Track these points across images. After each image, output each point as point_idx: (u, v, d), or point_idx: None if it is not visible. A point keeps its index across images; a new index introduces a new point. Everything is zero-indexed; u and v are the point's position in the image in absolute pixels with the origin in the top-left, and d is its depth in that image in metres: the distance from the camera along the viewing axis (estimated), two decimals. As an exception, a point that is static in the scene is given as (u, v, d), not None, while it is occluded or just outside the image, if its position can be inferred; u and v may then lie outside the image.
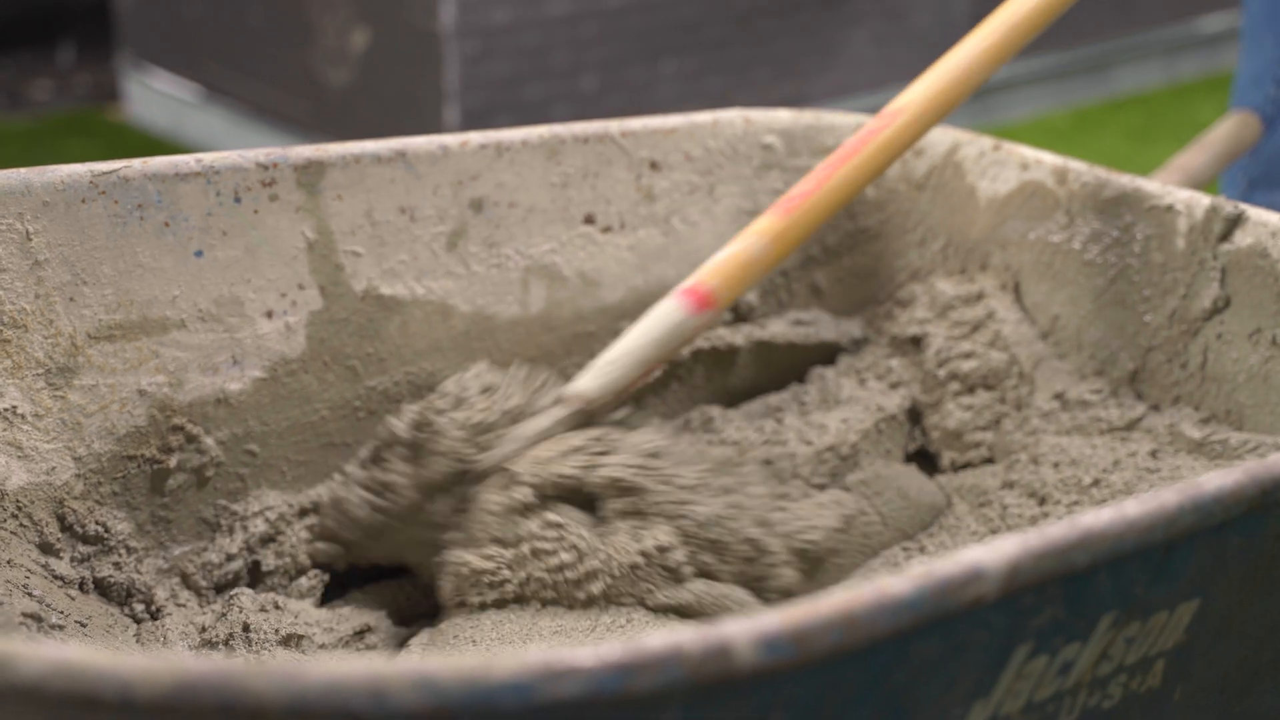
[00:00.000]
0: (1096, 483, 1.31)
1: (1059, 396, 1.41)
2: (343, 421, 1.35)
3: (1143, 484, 1.29)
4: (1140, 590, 0.86)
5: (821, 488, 1.34)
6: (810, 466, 1.36)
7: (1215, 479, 0.85)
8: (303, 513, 1.30)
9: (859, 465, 1.37)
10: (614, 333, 1.49)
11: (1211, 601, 0.92)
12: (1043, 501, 1.32)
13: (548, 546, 1.13)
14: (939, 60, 1.35)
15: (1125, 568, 0.84)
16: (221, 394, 1.28)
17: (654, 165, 1.49)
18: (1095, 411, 1.39)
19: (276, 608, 1.20)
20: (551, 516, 1.14)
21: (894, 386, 1.48)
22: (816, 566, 1.18)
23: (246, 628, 1.17)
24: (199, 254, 1.26)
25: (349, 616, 1.24)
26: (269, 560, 1.27)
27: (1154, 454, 1.33)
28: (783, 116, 1.57)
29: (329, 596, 1.29)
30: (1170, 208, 1.37)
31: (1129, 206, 1.40)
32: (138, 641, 1.17)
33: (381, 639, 1.22)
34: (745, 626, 0.65)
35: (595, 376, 1.26)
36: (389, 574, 1.32)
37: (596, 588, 1.12)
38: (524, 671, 0.61)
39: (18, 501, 1.15)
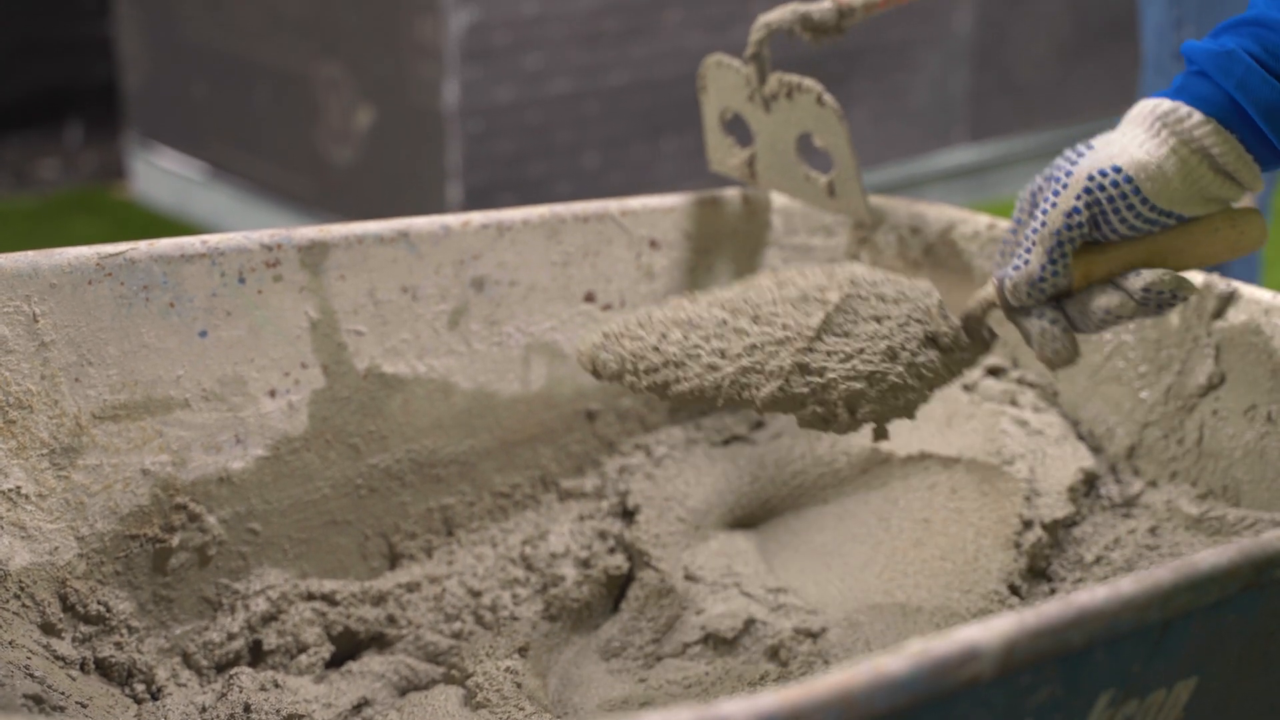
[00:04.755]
0: (1099, 560, 1.32)
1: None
2: (345, 499, 1.36)
3: (1143, 561, 1.29)
4: (1137, 668, 0.86)
5: None
6: None
7: (1210, 557, 0.85)
8: (309, 596, 1.31)
9: None
10: (615, 410, 1.50)
11: (1209, 679, 0.92)
12: (1050, 579, 1.32)
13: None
14: None
15: (1122, 646, 0.84)
16: (224, 473, 1.29)
17: (654, 244, 1.51)
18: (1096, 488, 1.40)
19: (276, 686, 1.21)
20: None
21: None
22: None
23: (247, 708, 1.17)
24: (203, 334, 1.28)
25: (346, 690, 1.24)
26: (270, 639, 1.28)
27: (1153, 530, 1.33)
28: (780, 196, 1.58)
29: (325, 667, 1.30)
30: (1165, 285, 1.39)
31: (1124, 284, 1.42)
32: (138, 721, 1.17)
33: (379, 711, 1.23)
34: (742, 706, 0.65)
35: None
36: (383, 647, 1.32)
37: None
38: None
39: (20, 582, 1.16)
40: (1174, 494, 1.36)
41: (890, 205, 1.59)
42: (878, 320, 1.14)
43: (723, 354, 1.14)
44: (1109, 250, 1.09)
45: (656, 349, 1.15)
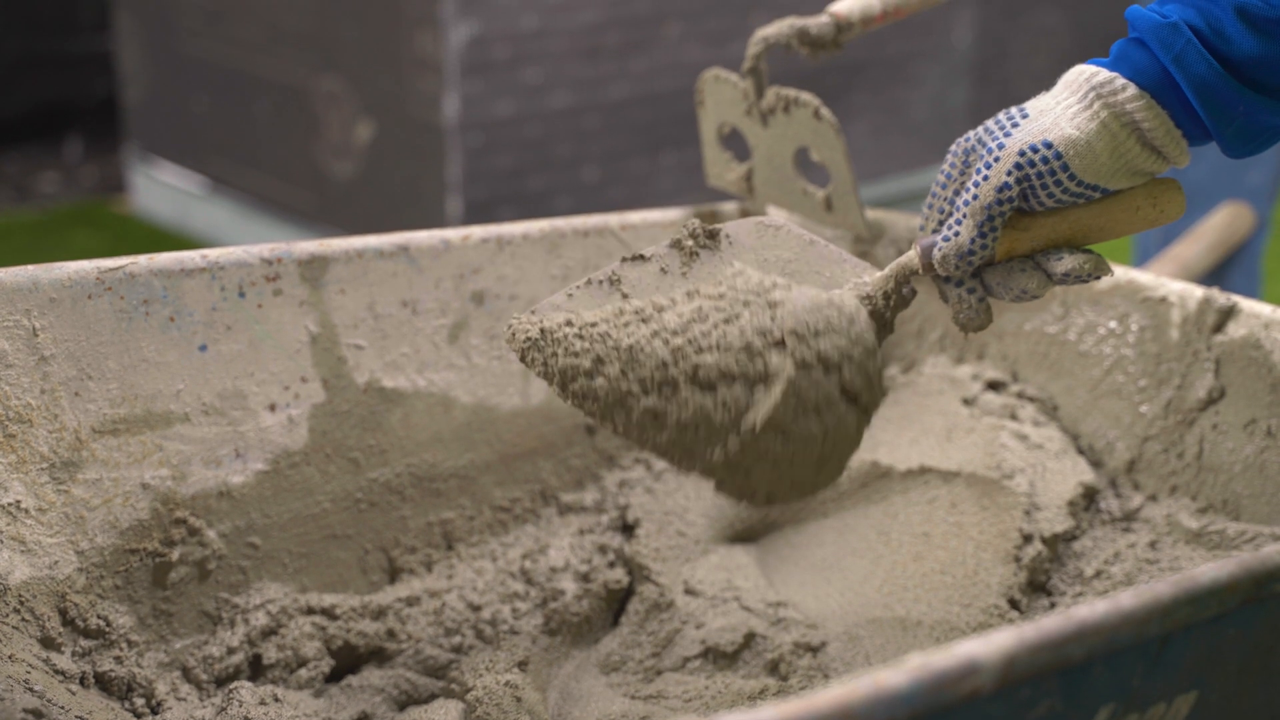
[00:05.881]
0: (1098, 574, 1.32)
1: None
2: (344, 513, 1.36)
3: (1143, 575, 1.29)
4: (1137, 682, 0.86)
5: None
6: None
7: (1210, 571, 0.85)
8: (308, 610, 1.31)
9: None
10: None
11: (1209, 693, 0.92)
12: (1050, 593, 1.32)
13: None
14: None
15: (1121, 659, 0.84)
16: (224, 487, 1.29)
17: (653, 258, 1.51)
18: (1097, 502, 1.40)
19: (276, 700, 1.21)
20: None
21: None
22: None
23: (246, 722, 1.17)
24: (203, 348, 1.28)
25: (346, 705, 1.24)
26: (270, 653, 1.27)
27: (1153, 544, 1.33)
28: (778, 210, 1.59)
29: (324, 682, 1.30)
30: (1164, 299, 1.39)
31: (1124, 298, 1.42)
32: (138, 736, 1.17)
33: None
34: (740, 719, 0.65)
35: None
36: (383, 661, 1.32)
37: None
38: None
39: (20, 596, 1.16)
40: (1174, 508, 1.36)
41: (889, 219, 1.59)
42: (818, 413, 1.08)
43: (655, 416, 1.09)
44: (1032, 227, 1.10)
45: (589, 375, 1.11)
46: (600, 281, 1.16)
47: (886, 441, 1.47)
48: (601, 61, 3.37)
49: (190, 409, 1.27)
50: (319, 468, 1.34)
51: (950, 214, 1.12)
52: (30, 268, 1.21)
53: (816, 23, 1.44)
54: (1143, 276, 1.41)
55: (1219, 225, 2.10)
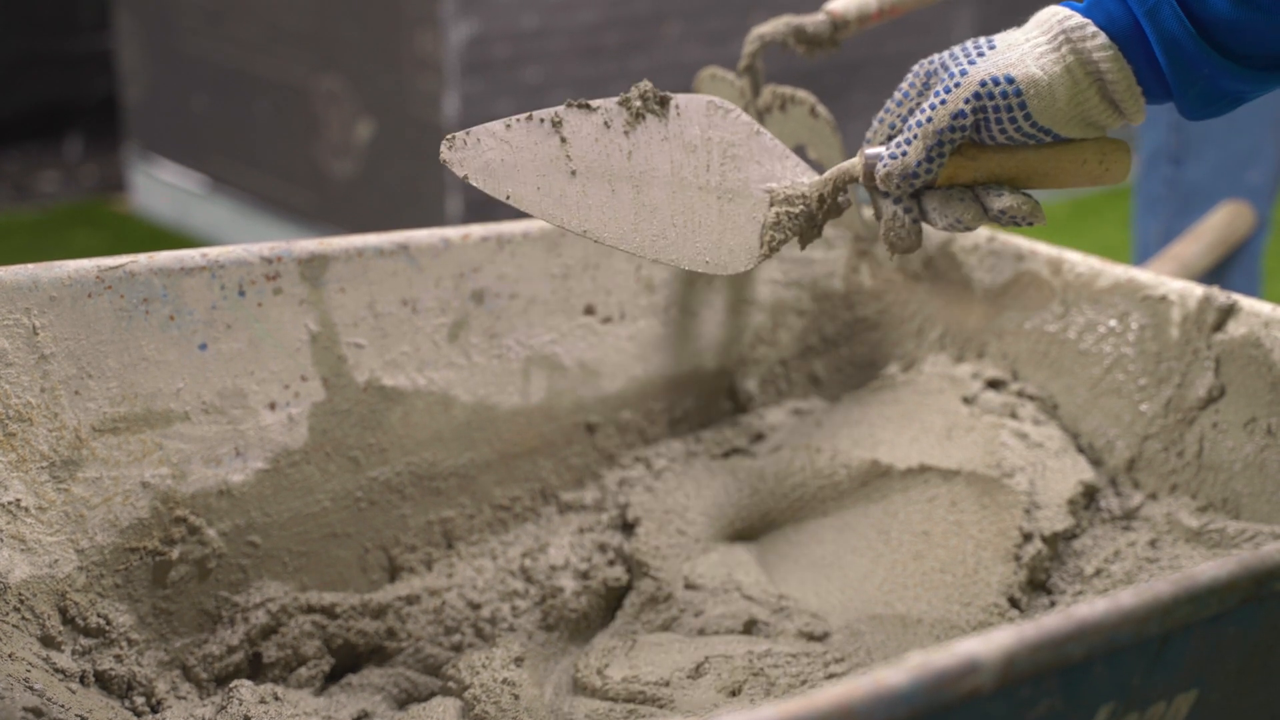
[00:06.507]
0: (1098, 572, 1.32)
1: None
2: (344, 512, 1.36)
3: (1143, 574, 1.29)
4: (1137, 681, 0.86)
5: None
6: None
7: (1210, 570, 0.85)
8: (308, 609, 1.31)
9: None
10: (615, 422, 1.50)
11: (1209, 692, 0.92)
12: (1050, 591, 1.32)
13: None
14: None
15: (1121, 658, 0.84)
16: (224, 485, 1.29)
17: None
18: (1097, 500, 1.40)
19: (276, 699, 1.21)
20: None
21: None
22: None
23: (246, 720, 1.17)
24: (203, 347, 1.28)
25: (346, 704, 1.24)
26: (270, 652, 1.27)
27: (1153, 543, 1.33)
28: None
29: (325, 681, 1.30)
30: (1164, 298, 1.39)
31: (1124, 296, 1.42)
32: (138, 734, 1.17)
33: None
34: (741, 719, 0.65)
35: None
36: (383, 660, 1.32)
37: None
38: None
39: (20, 595, 1.16)
40: (1174, 507, 1.36)
41: (889, 218, 1.59)
42: None
43: None
44: (979, 159, 1.11)
45: None
46: (542, 120, 1.16)
47: (886, 440, 1.47)
48: (601, 61, 3.37)
49: (190, 407, 1.27)
50: (319, 466, 1.34)
51: (901, 131, 1.12)
52: (30, 266, 1.21)
53: (813, 21, 1.44)
54: (1143, 275, 1.42)
55: (1219, 224, 2.10)
